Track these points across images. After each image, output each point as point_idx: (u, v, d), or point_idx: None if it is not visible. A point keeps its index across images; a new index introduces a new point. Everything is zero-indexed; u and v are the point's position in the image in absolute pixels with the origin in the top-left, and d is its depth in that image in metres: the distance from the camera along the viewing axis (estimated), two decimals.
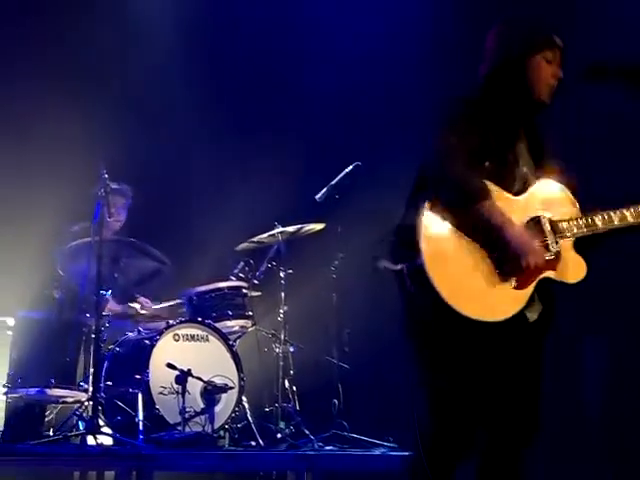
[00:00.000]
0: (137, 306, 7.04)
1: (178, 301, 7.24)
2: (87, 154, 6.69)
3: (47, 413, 6.30)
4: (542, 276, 3.63)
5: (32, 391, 6.02)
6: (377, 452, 6.45)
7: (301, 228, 7.33)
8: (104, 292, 6.47)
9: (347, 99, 8.18)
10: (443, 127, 3.60)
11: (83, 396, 6.09)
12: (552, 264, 3.66)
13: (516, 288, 3.58)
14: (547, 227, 3.68)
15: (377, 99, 8.12)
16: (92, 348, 6.11)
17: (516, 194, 3.68)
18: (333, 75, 8.16)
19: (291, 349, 7.19)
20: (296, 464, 5.97)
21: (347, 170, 7.32)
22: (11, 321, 6.35)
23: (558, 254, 3.67)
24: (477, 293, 3.52)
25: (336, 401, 7.06)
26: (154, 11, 8.26)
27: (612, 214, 3.77)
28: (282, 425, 6.88)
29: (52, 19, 7.82)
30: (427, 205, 3.53)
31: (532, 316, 3.64)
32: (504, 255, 3.54)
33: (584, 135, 6.88)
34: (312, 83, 8.15)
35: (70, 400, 6.20)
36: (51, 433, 6.11)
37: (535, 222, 3.68)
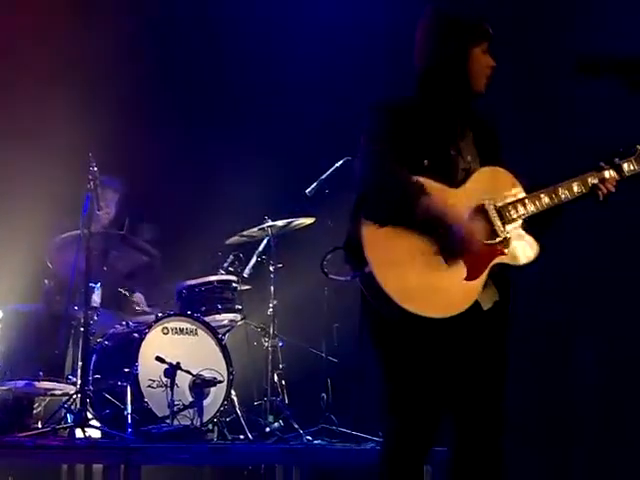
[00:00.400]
0: (135, 300, 7.06)
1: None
2: (77, 146, 6.67)
3: (35, 406, 6.30)
4: (492, 263, 3.62)
5: (20, 383, 6.02)
6: (366, 446, 6.45)
7: (291, 222, 7.33)
8: (93, 285, 6.46)
9: (338, 93, 8.16)
10: (366, 140, 3.62)
11: (71, 389, 6.09)
12: (501, 249, 3.65)
13: (467, 279, 3.57)
14: (492, 213, 3.67)
15: (368, 93, 8.08)
16: (81, 341, 6.10)
17: (457, 186, 3.66)
18: (323, 69, 8.15)
19: (280, 343, 7.19)
20: (285, 458, 5.98)
21: (337, 164, 7.31)
22: None
23: (507, 239, 3.67)
24: (430, 291, 3.52)
25: (325, 395, 7.06)
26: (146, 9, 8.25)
27: (559, 188, 3.78)
28: (271, 419, 6.88)
29: (47, 16, 7.79)
30: (366, 222, 3.54)
31: (486, 305, 3.64)
32: (448, 244, 3.53)
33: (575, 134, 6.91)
34: (302, 77, 8.15)
35: (58, 393, 6.20)
36: (39, 426, 6.10)
37: (480, 210, 3.66)
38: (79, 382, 5.99)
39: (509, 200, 3.72)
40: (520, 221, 3.72)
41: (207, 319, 6.66)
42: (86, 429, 5.71)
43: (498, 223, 3.67)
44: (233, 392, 6.53)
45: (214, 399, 6.36)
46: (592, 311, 6.96)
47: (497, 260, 3.63)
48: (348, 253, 3.65)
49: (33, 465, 5.53)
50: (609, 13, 7.08)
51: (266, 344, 7.16)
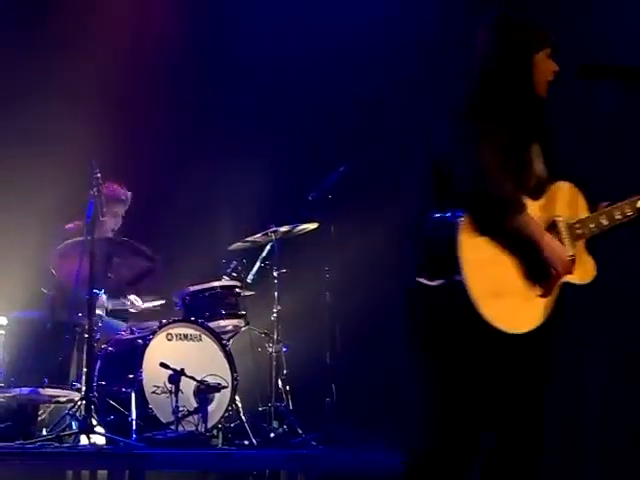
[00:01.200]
0: (128, 302, 7.08)
1: (162, 302, 7.26)
2: (80, 152, 6.67)
3: (40, 413, 6.30)
4: (562, 280, 3.65)
5: (25, 391, 6.02)
6: (370, 451, 6.44)
7: (294, 227, 7.33)
8: (97, 292, 6.47)
9: (341, 99, 8.17)
10: (472, 141, 3.53)
11: (76, 395, 6.08)
12: (570, 268, 3.68)
13: (541, 296, 3.60)
14: (564, 231, 3.70)
15: (371, 99, 8.11)
16: (85, 348, 6.10)
17: (533, 196, 3.67)
18: (327, 74, 8.17)
19: (284, 348, 7.20)
20: (289, 463, 5.97)
21: (340, 170, 7.32)
22: (3, 321, 6.32)
23: (573, 257, 3.69)
24: (512, 307, 3.52)
25: (329, 400, 7.06)
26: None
27: (613, 210, 3.79)
28: (275, 424, 6.88)
29: (49, 17, 7.81)
30: (465, 219, 3.48)
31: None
32: (537, 264, 3.56)
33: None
34: (305, 82, 8.16)
35: (63, 400, 6.20)
36: (44, 432, 6.11)
37: (552, 226, 3.69)
38: (83, 389, 5.98)
39: (577, 218, 3.75)
40: (584, 240, 3.76)
41: (211, 325, 6.66)
42: (91, 435, 5.70)
43: (569, 241, 3.70)
44: (237, 398, 6.53)
45: (218, 405, 6.36)
46: (601, 311, 6.94)
47: (566, 279, 3.67)
48: (428, 255, 3.58)
49: (38, 472, 5.51)
50: (610, 14, 7.08)
51: (270, 349, 7.17)
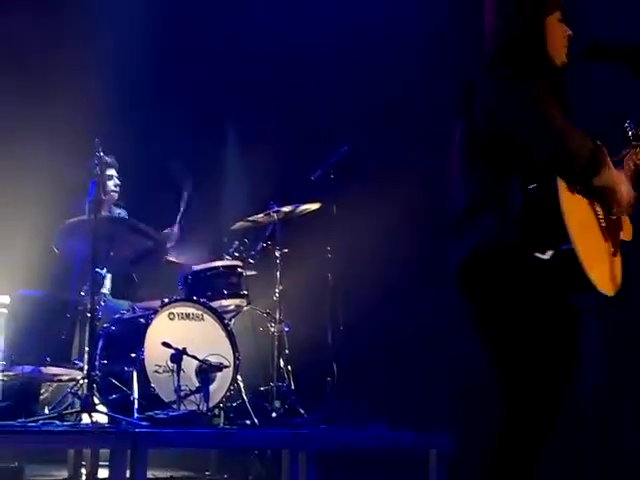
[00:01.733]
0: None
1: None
2: (82, 131, 6.67)
3: (42, 391, 6.32)
4: (621, 239, 3.62)
5: (27, 369, 6.02)
6: (371, 431, 6.46)
7: (296, 208, 7.33)
8: (99, 270, 6.47)
9: (343, 79, 8.16)
10: (537, 105, 3.33)
11: (78, 374, 6.10)
12: (620, 224, 3.65)
13: (614, 254, 3.54)
14: None
15: (374, 80, 8.10)
16: (87, 326, 6.11)
17: None
18: (328, 55, 8.15)
19: (286, 328, 7.21)
20: (291, 443, 5.98)
21: (342, 149, 7.31)
22: (6, 299, 6.33)
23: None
24: (604, 270, 3.45)
25: (330, 380, 7.08)
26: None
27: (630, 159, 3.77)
28: (277, 404, 6.90)
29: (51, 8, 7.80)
30: (561, 185, 3.30)
31: None
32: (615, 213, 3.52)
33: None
34: (307, 63, 8.15)
35: (65, 378, 6.22)
36: (46, 411, 6.12)
37: None
38: (86, 367, 5.99)
39: None
40: None
41: (213, 304, 6.66)
42: (93, 414, 5.70)
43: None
44: (239, 377, 6.54)
45: (220, 384, 6.37)
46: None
47: (622, 236, 3.64)
48: (532, 230, 3.32)
49: (40, 450, 5.53)
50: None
51: (272, 329, 7.18)
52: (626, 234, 3.70)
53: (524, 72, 3.42)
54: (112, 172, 7.22)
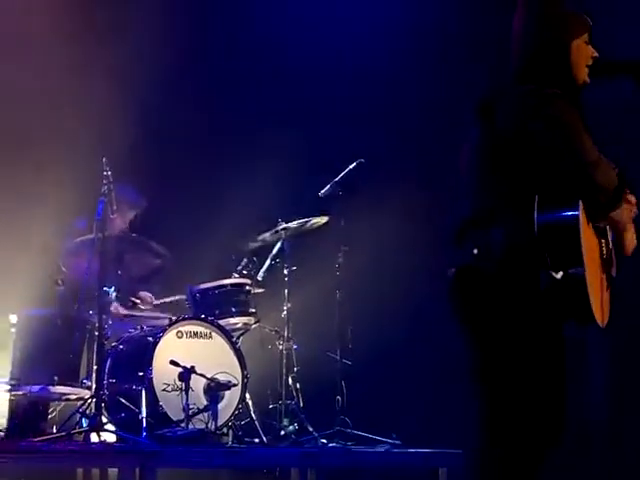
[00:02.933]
0: (138, 301, 7.07)
1: (178, 297, 7.24)
2: (91, 150, 6.68)
3: (50, 410, 6.30)
4: (612, 276, 3.68)
5: (35, 388, 6.01)
6: (380, 449, 6.44)
7: (305, 223, 7.32)
8: (107, 289, 6.47)
9: (351, 95, 8.16)
10: (570, 130, 3.43)
11: (86, 393, 6.08)
12: (613, 260, 3.71)
13: (607, 289, 3.62)
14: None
15: (381, 95, 8.10)
16: (95, 345, 6.11)
17: None
18: (336, 71, 8.15)
19: (294, 346, 7.19)
20: (300, 461, 5.97)
21: (351, 166, 7.32)
22: (14, 318, 6.33)
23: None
24: (599, 299, 3.50)
25: (339, 398, 7.06)
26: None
27: None
28: (286, 422, 6.89)
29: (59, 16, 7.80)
30: (580, 210, 3.36)
31: None
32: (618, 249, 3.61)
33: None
34: (315, 78, 8.15)
35: (73, 397, 6.20)
36: (54, 430, 6.10)
37: None
38: (94, 386, 5.98)
39: None
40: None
41: (221, 322, 6.66)
42: (101, 433, 5.71)
43: (609, 238, 3.70)
44: (248, 395, 6.53)
45: (229, 402, 6.36)
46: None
47: (612, 273, 3.69)
48: (547, 249, 3.35)
49: (48, 470, 5.52)
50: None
51: (280, 347, 7.17)
52: (613, 270, 3.75)
53: (554, 92, 3.49)
54: (130, 214, 7.23)
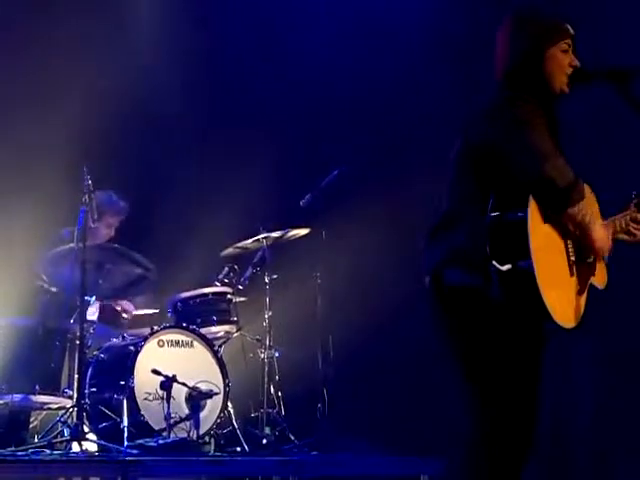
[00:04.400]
0: (119, 309, 7.07)
1: (157, 311, 7.24)
2: (71, 158, 6.67)
3: (32, 420, 6.28)
4: (589, 282, 3.68)
5: (17, 398, 6.00)
6: (362, 456, 6.44)
7: (286, 233, 7.33)
8: (88, 298, 6.46)
9: (332, 103, 8.18)
10: (526, 128, 3.48)
11: (68, 402, 6.08)
12: (592, 270, 3.70)
13: (579, 293, 3.62)
14: None
15: (362, 103, 8.12)
16: (76, 354, 6.10)
17: None
18: (317, 80, 8.16)
19: (276, 354, 7.19)
20: (282, 469, 5.97)
21: (332, 175, 7.33)
22: None
23: (594, 261, 3.71)
24: (562, 297, 3.52)
25: (321, 406, 7.06)
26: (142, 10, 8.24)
27: (621, 219, 3.84)
28: (267, 430, 6.88)
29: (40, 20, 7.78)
30: (531, 207, 3.41)
31: None
32: (587, 253, 3.59)
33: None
34: (295, 87, 8.16)
35: (55, 406, 6.20)
36: (36, 440, 6.09)
37: None
38: (75, 395, 5.97)
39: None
40: None
41: (203, 331, 6.66)
42: (83, 442, 5.69)
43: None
44: (229, 404, 6.52)
45: (210, 411, 6.36)
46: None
47: (591, 280, 3.69)
48: (496, 243, 3.43)
49: (30, 479, 5.50)
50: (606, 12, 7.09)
51: (262, 355, 7.17)
52: (599, 280, 3.75)
53: (522, 96, 3.56)
54: (115, 221, 7.24)
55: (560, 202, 3.45)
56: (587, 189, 3.65)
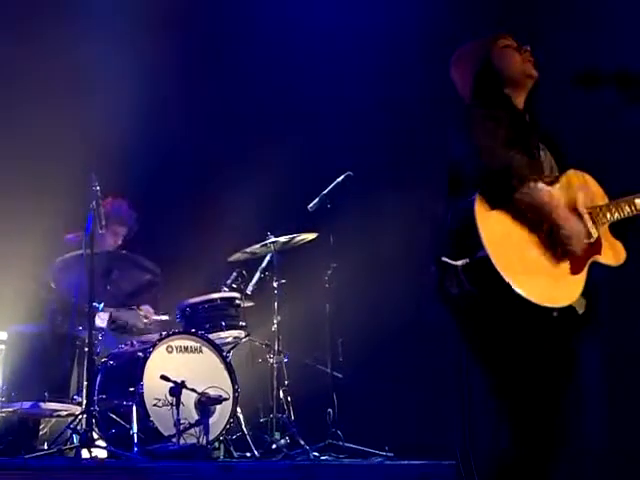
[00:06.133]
0: (142, 313, 7.07)
1: (167, 317, 7.24)
2: (80, 165, 6.67)
3: (41, 427, 6.29)
4: (591, 260, 3.67)
5: (26, 405, 6.00)
6: (373, 461, 6.43)
7: (294, 238, 7.33)
8: (97, 305, 6.46)
9: (339, 108, 8.18)
10: (474, 128, 3.60)
11: (77, 409, 6.07)
12: (597, 248, 3.71)
13: (571, 273, 3.61)
14: (585, 214, 3.72)
15: (370, 109, 8.11)
16: (85, 361, 6.10)
17: (550, 184, 3.69)
18: (325, 84, 8.16)
19: (285, 359, 7.19)
20: (292, 474, 5.95)
21: (339, 179, 7.33)
22: (3, 335, 6.32)
23: (599, 239, 3.73)
24: (540, 280, 3.52)
25: (331, 410, 7.05)
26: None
27: (635, 199, 3.85)
28: (277, 436, 6.87)
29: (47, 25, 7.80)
30: (477, 199, 3.50)
31: (580, 309, 3.68)
32: (556, 237, 3.58)
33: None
34: (303, 92, 8.16)
35: (64, 413, 6.19)
36: (45, 447, 6.09)
37: (572, 210, 3.70)
38: (84, 402, 5.98)
39: (598, 204, 3.80)
40: (607, 225, 3.80)
41: (211, 336, 6.65)
42: (92, 449, 5.68)
43: (590, 224, 3.72)
44: (239, 409, 6.52)
45: (220, 417, 6.35)
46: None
47: (595, 258, 3.70)
48: (449, 242, 3.58)
49: None
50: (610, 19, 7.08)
51: (271, 360, 7.16)
52: (610, 258, 3.76)
53: (475, 105, 3.81)
54: (122, 230, 7.23)
55: (501, 187, 3.49)
56: (577, 176, 3.75)
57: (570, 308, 3.61)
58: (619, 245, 3.81)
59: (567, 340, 3.65)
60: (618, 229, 3.85)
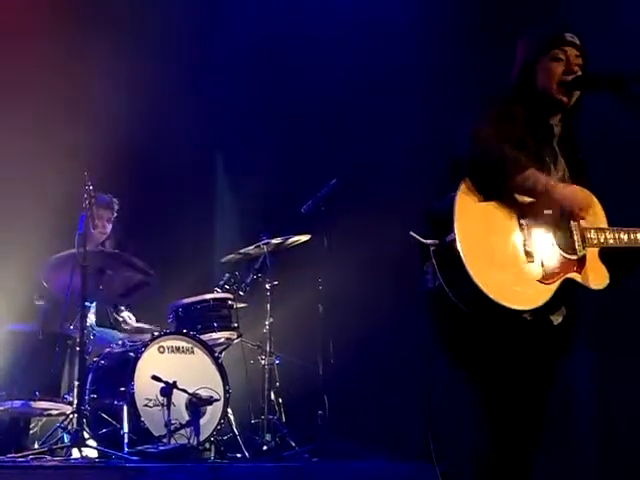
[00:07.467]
0: (120, 319, 7.07)
1: (156, 327, 7.20)
2: (72, 164, 6.67)
3: (32, 426, 6.28)
4: (567, 276, 3.65)
5: (17, 404, 6.00)
6: (364, 463, 6.43)
7: (287, 240, 7.33)
8: (88, 304, 6.45)
9: (333, 111, 8.18)
10: (479, 119, 3.61)
11: (68, 409, 6.07)
12: (577, 267, 3.69)
13: (541, 281, 3.58)
14: (576, 230, 3.72)
15: (363, 111, 8.12)
16: (77, 360, 6.09)
17: None
18: (318, 88, 8.16)
19: (277, 361, 7.19)
20: (282, 476, 5.95)
21: (332, 182, 7.33)
22: None
23: (583, 258, 3.70)
24: (503, 276, 3.51)
25: (322, 412, 7.05)
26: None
27: (638, 231, 3.84)
28: (268, 437, 6.87)
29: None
30: (463, 186, 3.52)
31: (557, 319, 3.69)
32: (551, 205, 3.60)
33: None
34: (297, 94, 8.16)
35: (55, 413, 6.19)
36: (36, 446, 6.09)
37: (565, 222, 3.71)
38: (75, 402, 5.96)
39: (594, 226, 3.76)
40: (598, 248, 3.76)
41: (203, 337, 6.65)
42: (83, 449, 5.68)
43: (579, 241, 3.71)
44: (230, 410, 6.52)
45: (211, 418, 6.35)
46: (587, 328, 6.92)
47: (571, 275, 3.67)
48: (428, 224, 3.62)
49: None
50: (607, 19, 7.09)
51: (262, 362, 7.16)
52: (590, 281, 3.71)
53: (500, 99, 3.79)
54: (104, 213, 7.19)
55: (492, 175, 3.51)
56: (584, 193, 3.71)
57: (546, 317, 3.63)
58: (604, 271, 3.76)
59: (541, 345, 3.64)
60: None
